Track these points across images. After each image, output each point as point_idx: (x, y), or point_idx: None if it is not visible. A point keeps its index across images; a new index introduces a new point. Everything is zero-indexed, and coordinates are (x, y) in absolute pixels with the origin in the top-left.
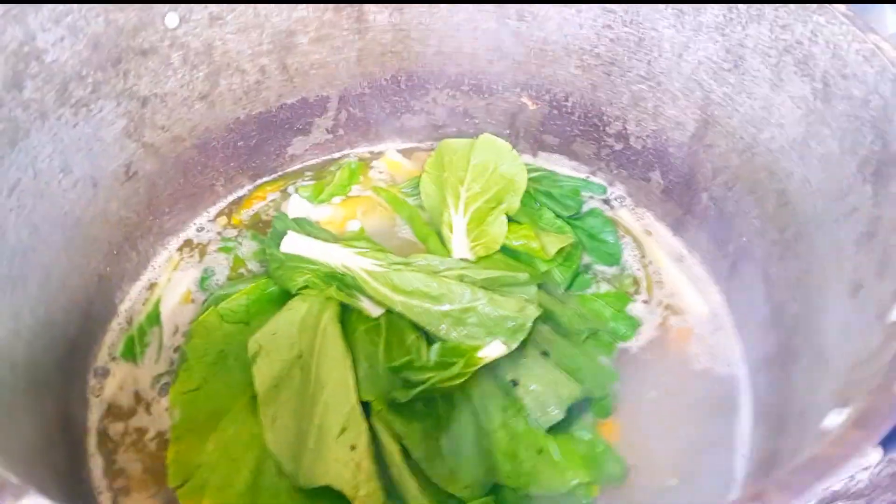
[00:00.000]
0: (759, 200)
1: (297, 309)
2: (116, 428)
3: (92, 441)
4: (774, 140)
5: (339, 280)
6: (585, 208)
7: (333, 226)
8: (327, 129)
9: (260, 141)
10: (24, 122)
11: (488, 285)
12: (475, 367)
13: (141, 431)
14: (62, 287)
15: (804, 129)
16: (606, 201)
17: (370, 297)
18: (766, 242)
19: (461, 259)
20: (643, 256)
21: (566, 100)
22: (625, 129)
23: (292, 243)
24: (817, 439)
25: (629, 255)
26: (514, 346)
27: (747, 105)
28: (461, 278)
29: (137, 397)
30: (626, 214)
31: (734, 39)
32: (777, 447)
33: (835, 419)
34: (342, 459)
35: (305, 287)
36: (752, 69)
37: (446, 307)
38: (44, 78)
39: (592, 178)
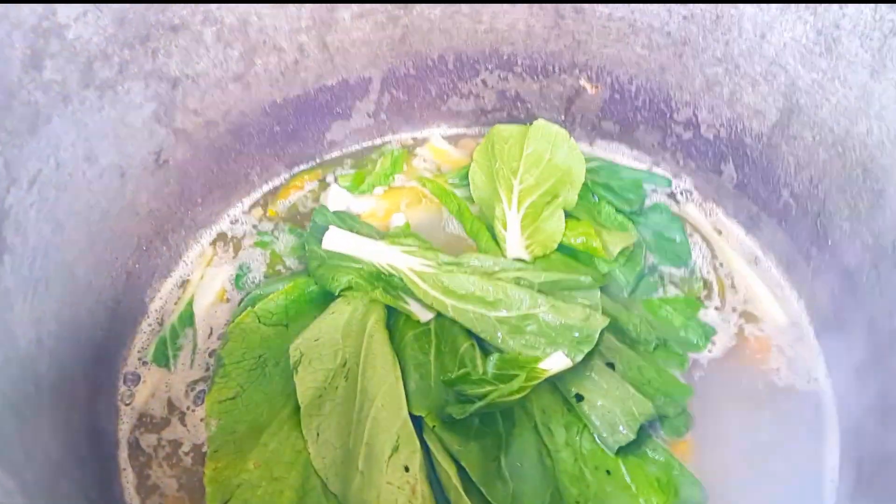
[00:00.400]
0: (850, 200)
1: (340, 312)
2: (149, 440)
3: (123, 454)
4: (872, 134)
5: (385, 281)
6: (648, 203)
7: (376, 219)
8: (369, 114)
9: (297, 126)
10: (45, 107)
11: (548, 289)
12: (537, 381)
13: (175, 444)
14: (88, 287)
15: None
16: (671, 195)
17: (419, 301)
18: (857, 247)
19: (516, 259)
20: (714, 257)
21: (630, 83)
22: (695, 116)
23: (334, 239)
24: None
25: (698, 256)
26: (579, 358)
27: (840, 93)
28: (518, 281)
29: (171, 406)
30: (693, 210)
31: (828, 19)
32: (879, 474)
33: None
34: (395, 482)
35: (349, 288)
36: (849, 53)
37: (503, 313)
38: (66, 57)
39: (656, 170)
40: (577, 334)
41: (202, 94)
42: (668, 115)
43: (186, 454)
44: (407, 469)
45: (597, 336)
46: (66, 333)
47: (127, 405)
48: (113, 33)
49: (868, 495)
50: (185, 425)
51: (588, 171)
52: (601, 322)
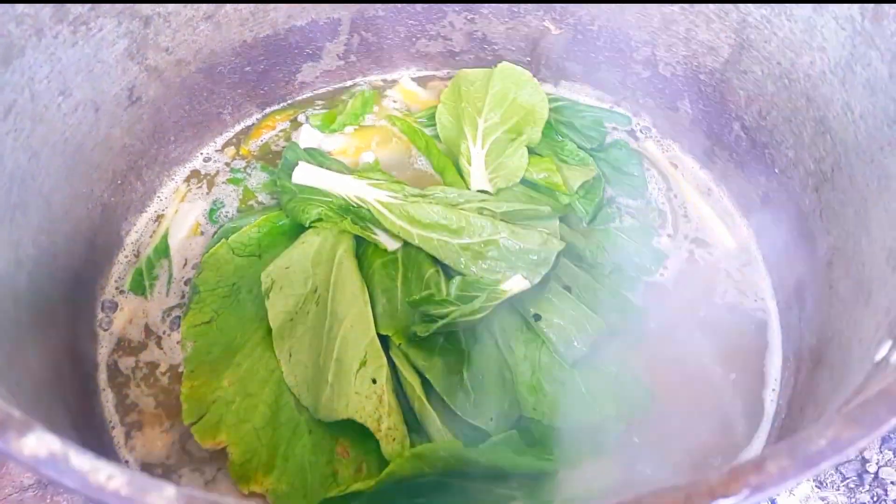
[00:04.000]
0: (795, 129)
1: (310, 242)
2: (127, 362)
3: (102, 376)
4: (815, 65)
5: (354, 213)
6: (609, 140)
7: (346, 156)
8: (338, 55)
9: (268, 66)
10: (19, 39)
11: (509, 218)
12: (497, 302)
13: (152, 366)
14: (64, 216)
15: (849, 53)
16: (631, 132)
17: (386, 231)
18: (800, 173)
19: (480, 191)
20: (669, 189)
21: (591, 24)
22: (653, 55)
23: (304, 174)
24: (873, 371)
25: (654, 189)
26: (537, 280)
27: (787, 28)
28: (481, 211)
29: (148, 331)
30: (651, 146)
31: None
32: (814, 382)
33: (892, 351)
34: (363, 392)
35: (319, 220)
36: None
37: (466, 240)
38: None
39: (617, 108)
40: (534, 258)
41: (173, 32)
42: (627, 55)
43: (163, 374)
44: (374, 381)
45: (553, 259)
46: (44, 258)
47: (105, 331)
48: None
49: (802, 397)
50: (161, 348)
51: (553, 110)
52: (557, 246)
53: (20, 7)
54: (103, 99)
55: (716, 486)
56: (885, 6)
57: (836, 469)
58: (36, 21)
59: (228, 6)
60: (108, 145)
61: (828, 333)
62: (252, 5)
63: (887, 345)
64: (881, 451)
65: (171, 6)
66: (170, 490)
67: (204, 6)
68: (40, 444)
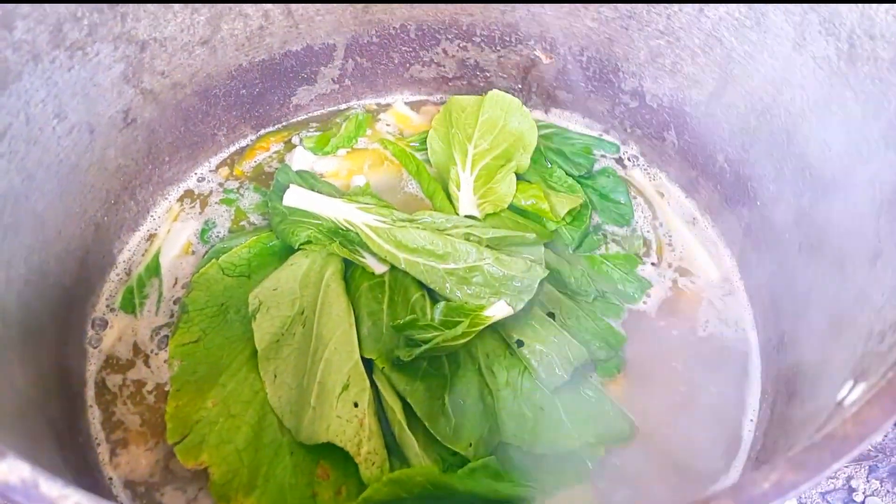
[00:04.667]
0: (776, 164)
1: (299, 264)
2: (115, 380)
3: (90, 392)
4: (794, 102)
5: (343, 236)
6: (598, 167)
7: (338, 179)
8: (333, 79)
9: (263, 90)
10: (16, 64)
11: (495, 244)
12: (480, 327)
13: (139, 384)
14: (57, 236)
15: (826, 92)
16: (619, 160)
17: (374, 254)
18: (781, 207)
19: (468, 216)
20: (655, 218)
21: (581, 54)
22: (641, 86)
23: (295, 197)
24: (833, 412)
25: (640, 217)
26: (520, 306)
27: (768, 65)
28: (467, 237)
29: (136, 349)
30: (638, 174)
31: None
32: (787, 413)
33: (851, 393)
34: (345, 416)
35: (308, 242)
36: (775, 27)
37: (451, 266)
38: (36, 18)
39: (606, 137)
40: (518, 284)
41: (170, 56)
42: (616, 85)
43: (150, 393)
44: (356, 405)
45: (536, 286)
46: (34, 277)
47: (94, 348)
48: None
49: (775, 428)
50: (149, 367)
51: (542, 137)
52: (541, 273)
53: (18, 34)
54: (98, 121)
55: None
56: (858, 49)
57: (823, 497)
58: (34, 47)
59: (225, 31)
60: (103, 166)
61: (802, 367)
62: (248, 31)
63: (848, 385)
64: (868, 481)
65: (167, 31)
66: None
67: (200, 32)
68: (11, 471)
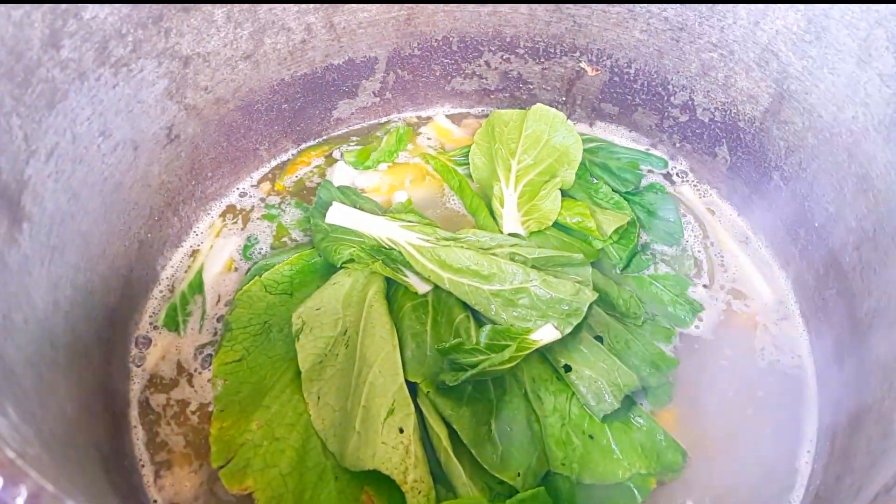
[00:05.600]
0: (835, 184)
1: (341, 283)
2: (158, 399)
3: (134, 413)
4: (857, 120)
5: (385, 254)
6: (645, 183)
7: (379, 194)
8: (374, 92)
9: (305, 103)
10: (63, 83)
11: (541, 265)
12: (527, 352)
13: (183, 403)
14: (102, 254)
15: (893, 111)
16: (667, 176)
17: (417, 274)
18: (841, 229)
19: (512, 235)
20: (706, 237)
21: (629, 66)
22: (691, 99)
23: (337, 214)
24: None
25: (690, 235)
26: (568, 331)
27: (829, 81)
28: (512, 257)
29: (180, 368)
30: (688, 191)
31: (818, 9)
32: (851, 449)
33: None
34: (390, 443)
35: (350, 260)
36: (837, 42)
37: (497, 287)
38: (82, 36)
39: (653, 151)
40: (566, 307)
41: (213, 72)
42: (665, 98)
43: (193, 413)
44: (401, 430)
45: (585, 309)
46: (80, 298)
47: (138, 367)
48: (127, 13)
49: (838, 464)
50: (192, 386)
51: (587, 151)
52: (590, 296)
53: (65, 52)
54: (142, 138)
55: None
56: None
57: None
58: (80, 65)
59: (268, 45)
60: (147, 183)
61: (867, 400)
62: (291, 45)
63: None
64: None
65: (210, 46)
66: None
67: (243, 46)
68: None
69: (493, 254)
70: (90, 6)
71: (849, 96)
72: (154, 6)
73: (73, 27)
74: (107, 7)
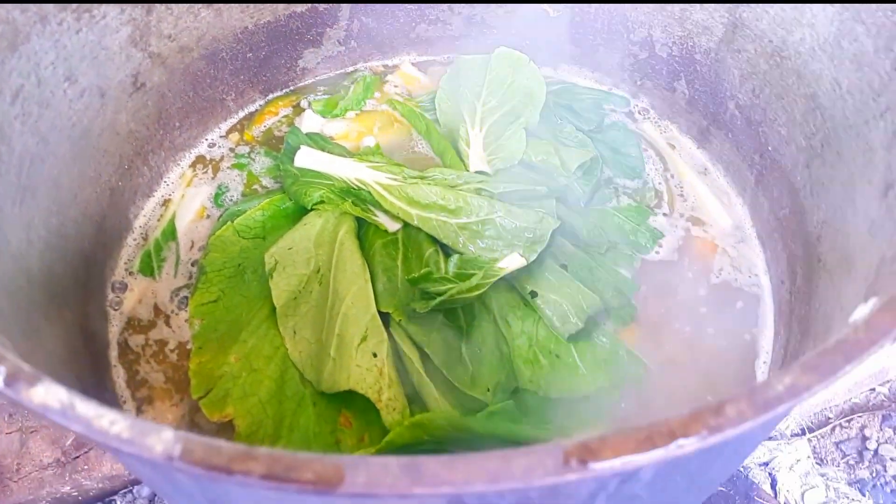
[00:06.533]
0: (786, 107)
1: (312, 224)
2: (137, 340)
3: (114, 353)
4: (804, 42)
5: (355, 195)
6: (608, 122)
7: (348, 141)
8: (339, 41)
9: (270, 52)
10: (24, 25)
11: (507, 199)
12: (494, 279)
13: (161, 343)
14: (73, 199)
15: (836, 28)
16: (629, 114)
17: (386, 212)
18: (792, 150)
19: (479, 172)
20: (666, 170)
21: (588, 6)
22: (650, 35)
23: (306, 157)
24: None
25: (652, 169)
26: (533, 257)
27: (777, 6)
28: (479, 192)
29: (157, 310)
30: (649, 127)
31: None
32: (801, 351)
33: (862, 311)
34: (364, 366)
35: (321, 202)
36: None
37: (463, 220)
38: None
39: (615, 90)
40: (530, 235)
41: (175, 19)
42: (625, 36)
43: (172, 351)
44: (375, 355)
45: (548, 236)
46: (54, 240)
47: (116, 310)
48: None
49: (789, 366)
50: (170, 327)
51: (551, 93)
52: (552, 224)
53: None
54: (108, 85)
55: (676, 427)
56: None
57: (837, 446)
58: (40, 8)
59: None
60: (115, 131)
61: (815, 304)
62: None
63: (860, 308)
64: (881, 429)
65: None
66: (168, 433)
67: None
68: (49, 393)
69: (461, 190)
70: None
71: (796, 18)
72: None
73: None
74: None
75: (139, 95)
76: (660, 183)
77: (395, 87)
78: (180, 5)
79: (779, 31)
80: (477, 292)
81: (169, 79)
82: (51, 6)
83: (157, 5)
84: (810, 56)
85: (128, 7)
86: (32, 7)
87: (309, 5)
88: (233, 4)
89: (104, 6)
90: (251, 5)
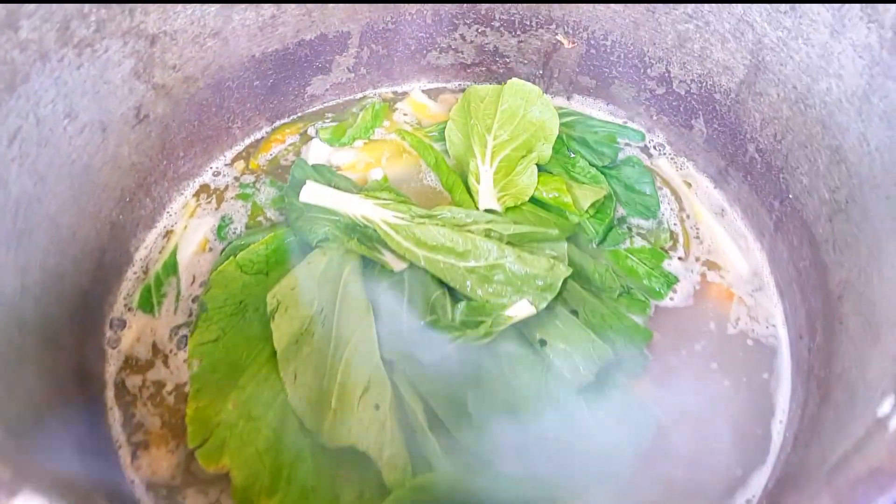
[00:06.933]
0: (809, 156)
1: (316, 262)
2: (134, 381)
3: (110, 394)
4: (831, 92)
5: (361, 232)
6: (622, 156)
7: (355, 171)
8: (348, 68)
9: (277, 80)
10: (23, 65)
11: (517, 241)
12: (502, 327)
13: (159, 384)
14: (72, 237)
15: (866, 82)
16: (644, 149)
17: (393, 251)
18: (814, 201)
19: (488, 211)
20: (681, 210)
21: (605, 38)
22: (668, 71)
23: (311, 193)
24: (873, 429)
25: (666, 208)
26: (543, 306)
27: (803, 52)
28: (488, 233)
29: (155, 349)
30: (665, 164)
31: None
32: (820, 416)
33: (891, 409)
34: (366, 420)
35: (326, 239)
36: (811, 12)
37: (472, 263)
38: (41, 16)
39: (630, 124)
40: (541, 283)
41: (180, 50)
42: (641, 71)
43: (169, 394)
44: (377, 407)
45: (559, 285)
46: (50, 281)
47: (113, 348)
48: None
49: (807, 432)
50: (168, 367)
51: (564, 125)
52: (564, 272)
53: (24, 33)
54: (110, 119)
55: None
56: None
57: None
58: (41, 46)
59: (236, 22)
60: (117, 164)
61: (836, 369)
62: (260, 21)
63: (890, 400)
64: None
65: (177, 24)
66: None
67: (211, 23)
68: None
69: (469, 230)
70: None
71: (823, 67)
72: None
73: (32, 7)
74: None
75: (142, 127)
76: (675, 223)
77: (405, 114)
78: (184, 35)
79: (804, 78)
80: (485, 340)
81: (173, 109)
82: (52, 42)
83: (161, 36)
84: (836, 107)
85: (130, 40)
86: (32, 45)
87: (318, 33)
88: (240, 35)
89: (106, 40)
90: (258, 34)
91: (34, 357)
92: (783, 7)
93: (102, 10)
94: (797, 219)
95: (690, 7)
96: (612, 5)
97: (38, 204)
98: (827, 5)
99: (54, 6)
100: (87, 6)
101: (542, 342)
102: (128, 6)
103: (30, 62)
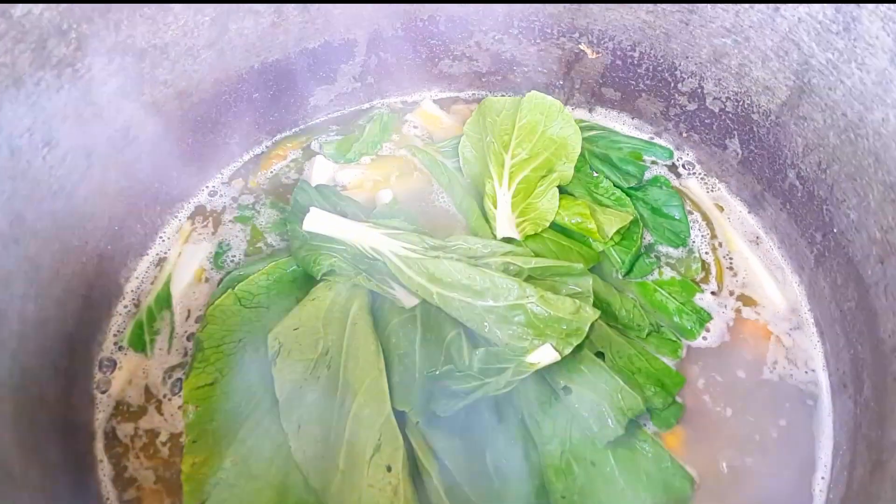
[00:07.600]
0: (859, 190)
1: (321, 298)
2: (126, 429)
3: (99, 445)
4: (888, 123)
5: (369, 264)
6: (648, 175)
7: (362, 191)
8: (355, 77)
9: (278, 92)
10: None
11: (538, 275)
12: (524, 376)
13: (152, 434)
14: (55, 276)
15: None
16: (673, 168)
17: (404, 286)
18: (863, 239)
19: (506, 240)
20: (713, 237)
21: (633, 49)
22: (701, 87)
23: (315, 221)
24: None
25: (697, 235)
26: (567, 352)
27: (856, 77)
28: (506, 266)
29: (148, 394)
30: (694, 184)
31: None
32: (873, 487)
33: None
34: (377, 484)
35: (331, 272)
36: (868, 35)
37: (490, 303)
38: (13, 37)
39: (657, 140)
40: (565, 327)
41: (172, 64)
42: (671, 85)
43: (164, 444)
44: (389, 469)
45: (586, 329)
46: (30, 330)
47: (103, 393)
48: (67, 7)
49: (858, 501)
50: (161, 414)
51: (586, 140)
52: (591, 315)
53: None
54: (95, 143)
55: None
56: None
57: None
58: (13, 70)
59: (233, 32)
60: (103, 191)
61: (890, 433)
62: (259, 29)
63: None
64: None
65: (167, 36)
66: None
67: (205, 34)
68: None
69: (486, 263)
70: (19, 4)
71: (879, 96)
72: None
73: (2, 28)
74: (40, 3)
75: (131, 150)
76: (706, 252)
77: (415, 127)
78: (176, 49)
79: (855, 106)
80: (505, 390)
81: (165, 128)
82: (26, 65)
83: (151, 51)
84: (893, 140)
85: (116, 56)
86: (4, 70)
87: (322, 41)
88: (237, 46)
89: (89, 59)
90: (257, 43)
91: (11, 422)
92: (835, 27)
93: (84, 25)
94: (842, 255)
95: (729, 21)
96: (643, 15)
97: (14, 245)
98: (888, 29)
99: (27, 25)
100: (66, 21)
101: (567, 389)
102: (112, 20)
103: (2, 89)
